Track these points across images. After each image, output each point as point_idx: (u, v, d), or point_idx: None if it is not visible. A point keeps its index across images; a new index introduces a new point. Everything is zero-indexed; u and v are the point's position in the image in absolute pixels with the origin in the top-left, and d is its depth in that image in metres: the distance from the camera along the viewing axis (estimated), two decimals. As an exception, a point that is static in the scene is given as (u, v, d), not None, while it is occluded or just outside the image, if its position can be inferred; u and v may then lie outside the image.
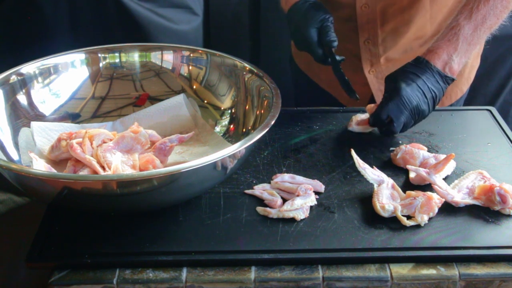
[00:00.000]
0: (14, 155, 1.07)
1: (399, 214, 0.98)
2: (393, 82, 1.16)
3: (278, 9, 1.32)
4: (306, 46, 1.27)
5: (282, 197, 1.04)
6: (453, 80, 1.17)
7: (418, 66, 1.16)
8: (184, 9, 1.54)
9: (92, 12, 1.41)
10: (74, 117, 1.20)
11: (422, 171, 1.05)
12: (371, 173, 1.06)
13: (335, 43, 1.24)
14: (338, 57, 1.25)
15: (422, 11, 1.37)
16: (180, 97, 1.23)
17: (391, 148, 1.18)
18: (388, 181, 1.06)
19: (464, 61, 1.18)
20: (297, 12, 1.28)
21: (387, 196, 1.03)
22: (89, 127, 1.16)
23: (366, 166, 1.07)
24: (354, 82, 1.45)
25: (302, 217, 0.99)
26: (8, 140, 1.08)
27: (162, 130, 1.17)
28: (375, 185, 1.05)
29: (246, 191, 1.06)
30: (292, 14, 1.29)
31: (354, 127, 1.24)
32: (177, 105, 1.21)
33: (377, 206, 1.00)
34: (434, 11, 1.37)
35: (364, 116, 1.25)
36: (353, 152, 1.08)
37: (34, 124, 1.12)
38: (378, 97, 1.45)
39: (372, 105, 1.22)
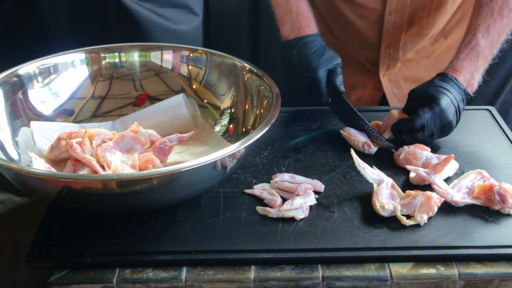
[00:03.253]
0: (14, 154, 1.07)
1: (398, 213, 0.98)
2: (426, 95, 1.14)
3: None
4: (312, 82, 1.22)
5: (281, 197, 1.04)
6: (471, 98, 1.18)
7: (447, 82, 1.16)
8: (184, 9, 1.54)
9: (91, 12, 1.41)
10: (70, 113, 1.20)
11: (422, 171, 1.05)
12: (371, 173, 1.06)
13: (343, 89, 1.22)
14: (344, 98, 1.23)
15: (443, 12, 1.37)
16: (180, 97, 1.23)
17: (392, 149, 1.18)
18: (388, 180, 1.06)
19: (481, 79, 1.20)
20: (310, 45, 1.23)
21: (386, 195, 1.03)
22: (89, 127, 1.16)
23: (366, 165, 1.07)
24: (365, 85, 1.45)
25: (301, 217, 0.99)
26: (8, 140, 1.08)
27: (162, 129, 1.17)
28: (375, 185, 1.05)
29: (246, 190, 1.06)
30: (302, 45, 1.23)
31: (373, 148, 1.18)
32: (177, 105, 1.21)
33: (377, 205, 1.00)
34: (451, 10, 1.37)
35: (362, 136, 1.20)
36: (352, 152, 1.08)
37: (33, 123, 1.12)
38: (392, 100, 1.45)
39: (397, 111, 1.20)
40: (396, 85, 1.44)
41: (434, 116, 1.13)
